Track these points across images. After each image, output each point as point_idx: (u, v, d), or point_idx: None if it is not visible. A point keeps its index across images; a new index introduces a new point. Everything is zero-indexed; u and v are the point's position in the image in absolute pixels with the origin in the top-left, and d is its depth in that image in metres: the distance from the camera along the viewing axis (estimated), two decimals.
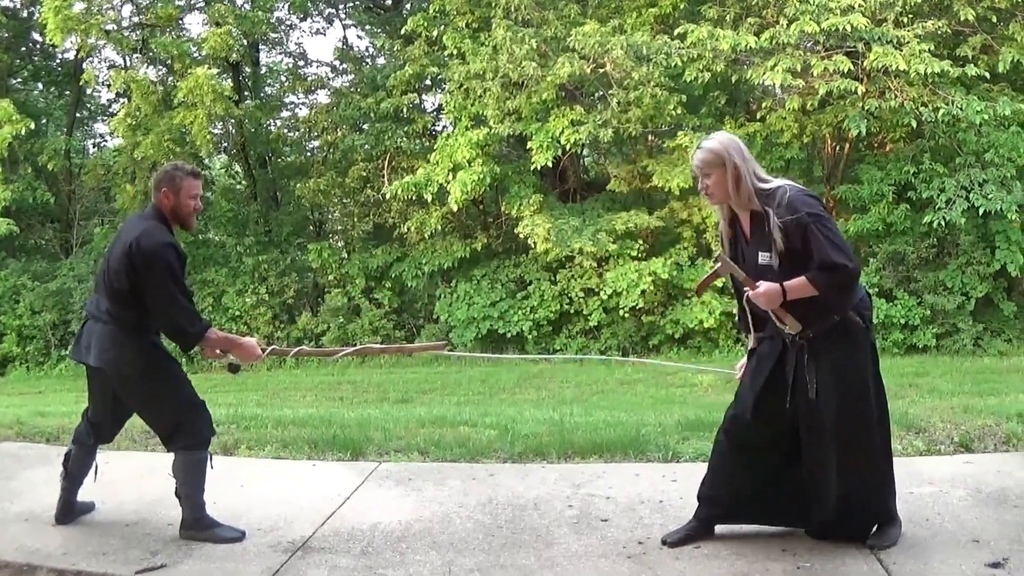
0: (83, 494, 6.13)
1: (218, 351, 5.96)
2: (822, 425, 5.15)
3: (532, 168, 19.89)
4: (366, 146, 22.98)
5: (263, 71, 28.61)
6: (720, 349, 19.18)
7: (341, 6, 27.72)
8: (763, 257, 5.06)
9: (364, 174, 22.97)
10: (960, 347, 17.77)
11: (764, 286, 4.95)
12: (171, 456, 5.82)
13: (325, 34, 41.74)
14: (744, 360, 5.63)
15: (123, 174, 22.90)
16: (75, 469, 6.03)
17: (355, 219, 23.77)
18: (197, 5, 25.30)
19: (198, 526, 5.76)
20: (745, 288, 5.10)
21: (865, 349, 5.22)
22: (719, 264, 5.18)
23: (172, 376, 5.81)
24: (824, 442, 5.18)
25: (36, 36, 26.84)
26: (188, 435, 5.74)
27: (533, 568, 5.25)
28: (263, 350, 5.94)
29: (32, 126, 22.59)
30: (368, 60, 26.66)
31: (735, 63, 18.63)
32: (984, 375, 14.89)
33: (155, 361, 5.72)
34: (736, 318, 5.85)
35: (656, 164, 19.40)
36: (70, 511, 6.09)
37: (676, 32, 18.68)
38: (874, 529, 5.34)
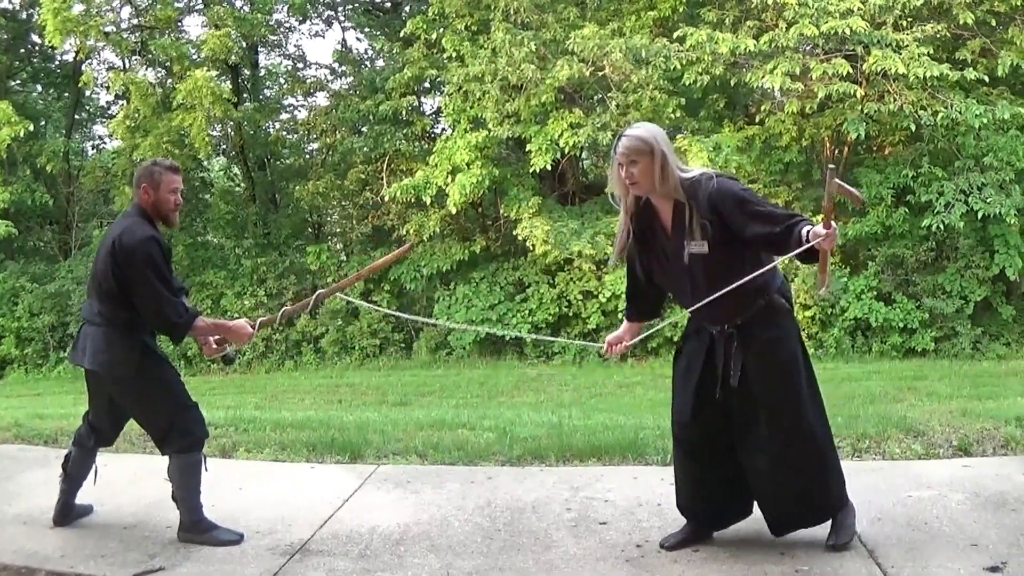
0: (81, 496, 6.13)
1: (215, 344, 5.98)
2: (755, 410, 5.19)
3: (531, 171, 19.90)
4: (365, 148, 23.02)
5: (262, 73, 28.58)
6: None
7: (340, 8, 27.72)
8: (692, 246, 5.04)
9: (363, 176, 22.99)
10: (959, 351, 17.75)
11: (821, 230, 4.63)
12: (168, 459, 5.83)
13: (324, 36, 41.67)
14: (619, 332, 5.72)
15: (122, 176, 22.81)
16: (75, 471, 6.03)
17: (354, 221, 23.81)
18: (196, 7, 25.33)
19: (196, 529, 5.76)
20: (817, 227, 4.72)
21: (791, 330, 5.29)
22: (832, 182, 4.71)
23: (165, 377, 5.81)
24: (758, 428, 5.21)
25: (35, 38, 26.82)
26: (181, 437, 5.73)
27: (531, 571, 5.25)
28: (252, 327, 5.93)
29: (31, 128, 22.55)
30: (367, 62, 26.68)
31: (734, 66, 18.65)
32: (983, 379, 14.88)
33: (148, 362, 5.71)
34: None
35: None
36: (68, 513, 6.09)
37: (675, 35, 18.67)
38: (829, 527, 5.36)
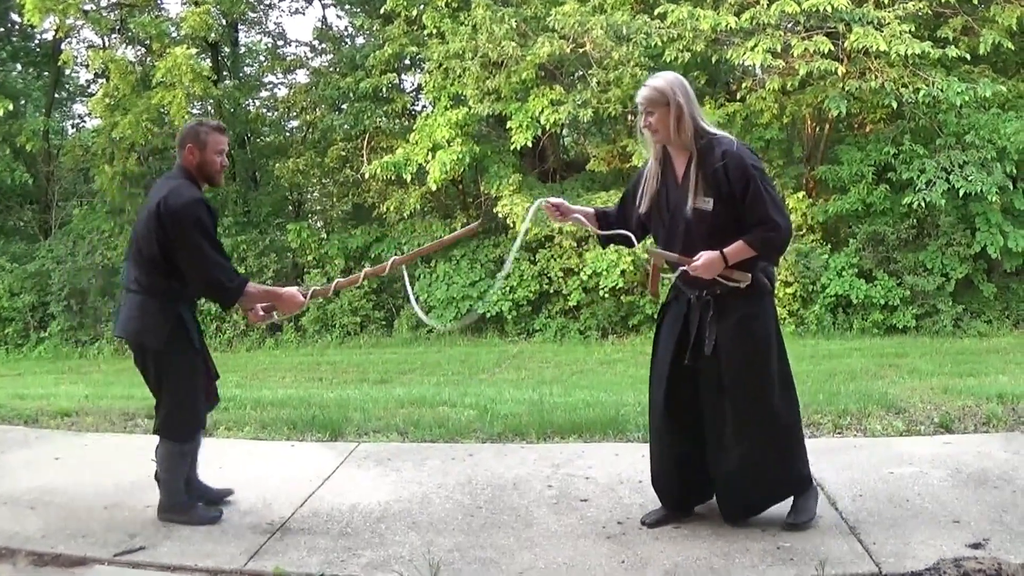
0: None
1: (262, 311, 5.89)
2: (721, 385, 5.21)
3: (511, 148, 19.82)
4: (345, 126, 22.93)
5: (242, 51, 28.41)
6: None
7: None
8: (698, 201, 5.10)
9: (343, 154, 22.92)
10: (940, 328, 17.77)
11: (703, 257, 5.02)
12: (152, 439, 5.79)
13: (304, 13, 41.36)
14: (576, 208, 5.66)
15: (102, 155, 22.72)
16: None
17: (334, 199, 23.75)
18: None
19: (176, 508, 5.75)
20: (682, 266, 5.16)
21: (769, 308, 5.34)
22: (651, 258, 5.33)
23: (187, 363, 5.68)
24: (722, 403, 5.24)
25: (14, 16, 26.64)
26: (180, 426, 5.68)
27: (512, 548, 5.25)
28: (304, 296, 5.81)
29: (10, 107, 22.38)
30: (347, 40, 26.54)
31: (715, 43, 18.59)
32: (964, 356, 14.92)
33: (177, 340, 5.59)
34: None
35: (635, 144, 19.32)
36: (191, 491, 6.01)
37: (656, 12, 18.62)
38: (790, 507, 5.40)
